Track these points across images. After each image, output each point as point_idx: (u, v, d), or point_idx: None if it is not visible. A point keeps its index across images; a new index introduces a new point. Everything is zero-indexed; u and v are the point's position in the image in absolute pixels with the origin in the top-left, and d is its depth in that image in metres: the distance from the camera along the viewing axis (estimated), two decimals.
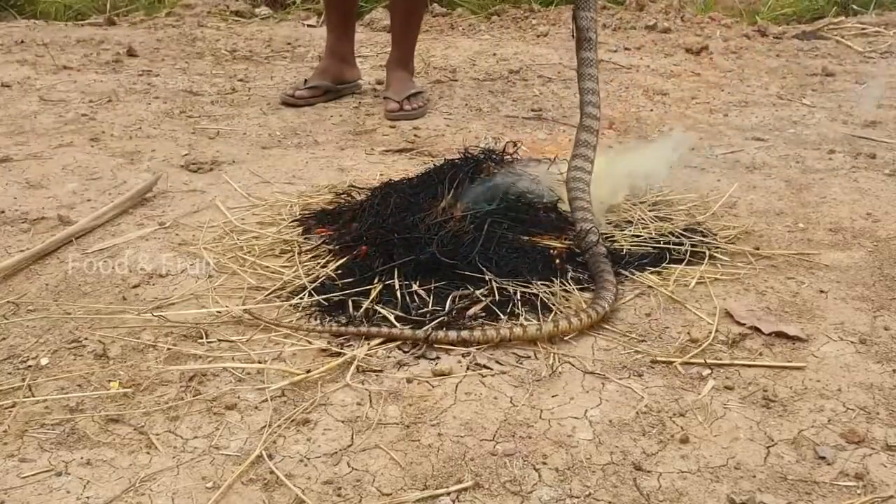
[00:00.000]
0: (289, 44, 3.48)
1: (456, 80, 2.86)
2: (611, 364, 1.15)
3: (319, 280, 1.34)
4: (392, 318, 1.23)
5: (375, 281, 1.31)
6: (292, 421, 1.02)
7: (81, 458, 0.96)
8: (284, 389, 1.08)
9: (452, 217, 1.41)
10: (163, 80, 2.80)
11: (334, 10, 2.55)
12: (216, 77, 2.89)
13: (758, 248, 1.50)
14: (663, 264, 1.42)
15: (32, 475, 0.93)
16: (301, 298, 1.29)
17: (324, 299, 1.29)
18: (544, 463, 0.95)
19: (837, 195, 1.78)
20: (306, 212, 1.63)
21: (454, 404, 1.05)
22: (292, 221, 1.57)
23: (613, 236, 1.51)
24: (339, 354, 1.15)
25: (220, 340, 1.20)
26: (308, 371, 1.12)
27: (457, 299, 1.27)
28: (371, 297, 1.28)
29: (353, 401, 1.06)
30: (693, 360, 1.15)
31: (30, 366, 1.14)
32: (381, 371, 1.12)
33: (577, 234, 1.41)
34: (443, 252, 1.33)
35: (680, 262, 1.43)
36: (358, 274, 1.34)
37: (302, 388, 1.09)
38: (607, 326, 1.24)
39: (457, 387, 1.09)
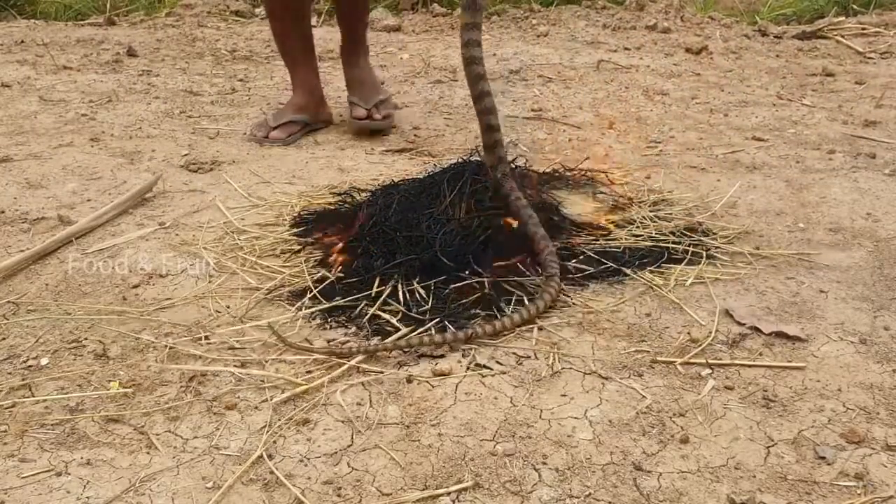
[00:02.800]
0: None
1: (456, 80, 2.86)
2: (611, 364, 1.15)
3: (316, 279, 1.34)
4: (394, 320, 1.23)
5: (377, 281, 1.31)
6: (292, 421, 1.02)
7: (81, 458, 0.95)
8: (284, 389, 1.08)
9: (454, 217, 1.41)
10: (163, 80, 2.80)
11: (297, 37, 2.17)
12: (216, 77, 2.89)
13: (758, 248, 1.50)
14: (662, 263, 1.42)
15: (32, 475, 0.93)
16: (306, 307, 1.29)
17: (326, 303, 1.29)
18: (544, 463, 0.95)
19: (837, 195, 1.78)
20: (306, 212, 1.63)
21: (454, 404, 1.05)
22: (292, 227, 1.57)
23: (612, 235, 1.51)
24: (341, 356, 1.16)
25: (221, 342, 1.20)
26: (310, 378, 1.12)
27: (451, 296, 1.27)
28: (377, 303, 1.28)
29: (353, 401, 1.06)
30: (693, 360, 1.15)
31: (30, 366, 1.14)
32: (381, 371, 1.12)
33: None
34: (444, 252, 1.33)
35: (680, 261, 1.43)
36: (361, 274, 1.34)
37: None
38: (607, 326, 1.24)
39: (457, 387, 1.09)
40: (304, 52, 2.19)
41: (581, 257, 1.42)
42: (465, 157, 1.59)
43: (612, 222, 1.55)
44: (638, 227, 1.55)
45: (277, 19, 2.17)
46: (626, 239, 1.50)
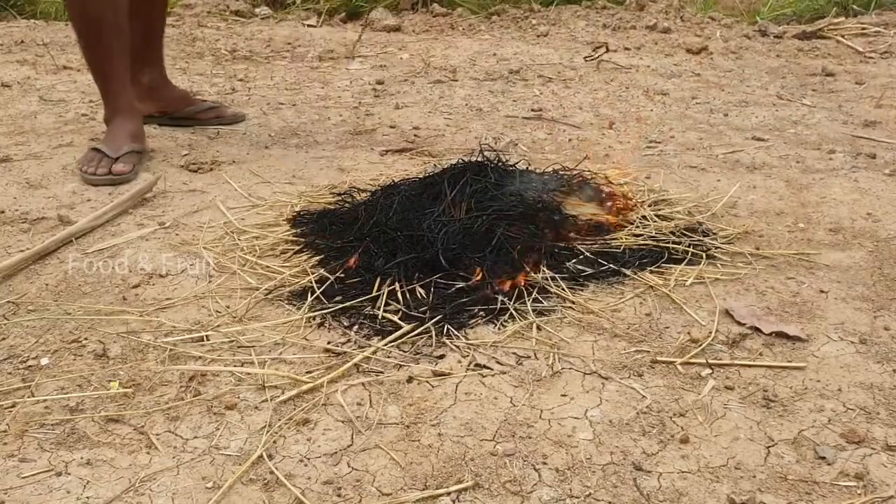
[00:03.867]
0: (289, 44, 3.48)
1: (456, 80, 2.86)
2: (611, 364, 1.14)
3: (317, 279, 1.34)
4: (396, 318, 1.23)
5: (378, 280, 1.31)
6: (292, 421, 1.02)
7: (81, 458, 0.95)
8: (285, 389, 1.08)
9: (454, 217, 1.41)
10: None
11: (121, 51, 1.88)
12: (216, 77, 2.89)
13: (758, 248, 1.50)
14: (662, 263, 1.42)
15: (32, 475, 0.93)
16: (308, 307, 1.29)
17: (328, 303, 1.29)
18: (544, 463, 0.95)
19: (837, 195, 1.78)
20: (304, 212, 1.63)
21: (454, 404, 1.05)
22: (291, 227, 1.57)
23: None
24: (343, 354, 1.16)
25: (221, 342, 1.20)
26: (311, 378, 1.12)
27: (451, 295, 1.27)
28: (379, 304, 1.28)
29: (353, 401, 1.06)
30: (693, 360, 1.15)
31: (30, 366, 1.14)
32: (381, 371, 1.12)
33: None
34: (446, 251, 1.33)
35: (680, 261, 1.43)
36: (362, 274, 1.34)
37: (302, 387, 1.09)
38: (607, 326, 1.24)
39: (457, 387, 1.09)
40: (127, 69, 1.91)
41: (581, 257, 1.42)
42: (465, 158, 1.59)
43: (614, 223, 1.55)
44: (638, 227, 1.55)
45: (100, 28, 1.84)
46: (626, 239, 1.50)
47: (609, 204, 1.60)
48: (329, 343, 1.19)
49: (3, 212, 1.65)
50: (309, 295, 1.30)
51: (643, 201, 1.67)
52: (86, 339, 1.20)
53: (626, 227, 1.54)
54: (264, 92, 2.67)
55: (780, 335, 1.22)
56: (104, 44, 1.86)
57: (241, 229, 1.57)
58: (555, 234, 1.47)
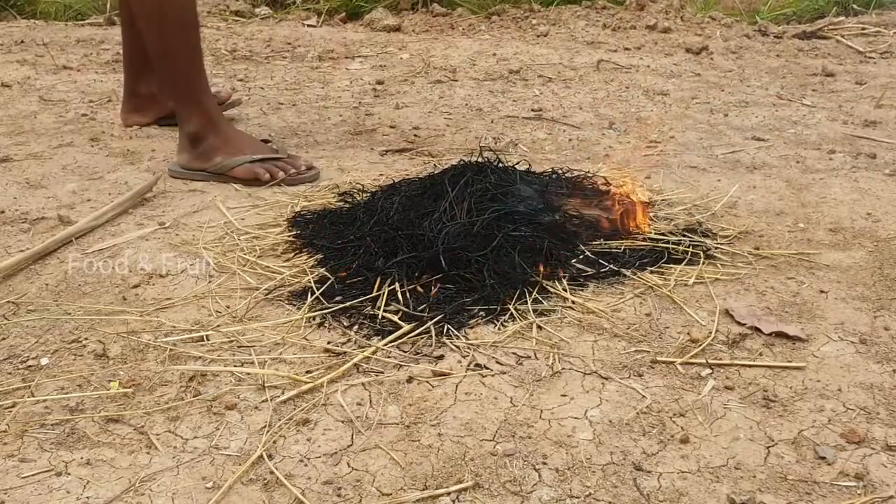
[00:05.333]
0: (289, 44, 3.48)
1: (456, 80, 2.86)
2: (611, 364, 1.14)
3: (317, 278, 1.34)
4: (396, 318, 1.23)
5: (378, 280, 1.31)
6: (292, 421, 1.02)
7: (81, 458, 0.95)
8: (285, 389, 1.08)
9: (454, 217, 1.41)
10: None
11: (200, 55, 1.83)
12: (216, 77, 2.89)
13: (758, 248, 1.50)
14: (662, 263, 1.42)
15: (32, 475, 0.93)
16: (313, 310, 1.29)
17: (330, 303, 1.29)
18: (544, 463, 0.95)
19: (837, 195, 1.78)
20: (305, 212, 1.63)
21: (454, 404, 1.05)
22: (292, 228, 1.57)
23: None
24: (343, 354, 1.16)
25: (221, 342, 1.20)
26: (311, 378, 1.12)
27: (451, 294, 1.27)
28: (380, 304, 1.28)
29: (353, 401, 1.06)
30: (693, 360, 1.15)
31: (30, 366, 1.14)
32: (381, 371, 1.12)
33: None
34: (447, 251, 1.33)
35: (680, 261, 1.43)
36: (363, 273, 1.34)
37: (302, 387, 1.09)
38: (607, 326, 1.24)
39: (457, 387, 1.09)
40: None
41: (581, 257, 1.42)
42: (465, 157, 1.59)
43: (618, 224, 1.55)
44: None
45: (193, 27, 1.76)
46: (625, 239, 1.50)
47: (613, 205, 1.60)
48: (329, 343, 1.19)
49: (3, 212, 1.65)
50: (309, 295, 1.30)
51: (647, 201, 1.67)
52: (86, 339, 1.20)
53: (631, 229, 1.54)
54: (264, 92, 2.67)
55: (780, 335, 1.22)
56: (196, 42, 1.74)
57: (242, 229, 1.57)
58: (556, 235, 1.47)
